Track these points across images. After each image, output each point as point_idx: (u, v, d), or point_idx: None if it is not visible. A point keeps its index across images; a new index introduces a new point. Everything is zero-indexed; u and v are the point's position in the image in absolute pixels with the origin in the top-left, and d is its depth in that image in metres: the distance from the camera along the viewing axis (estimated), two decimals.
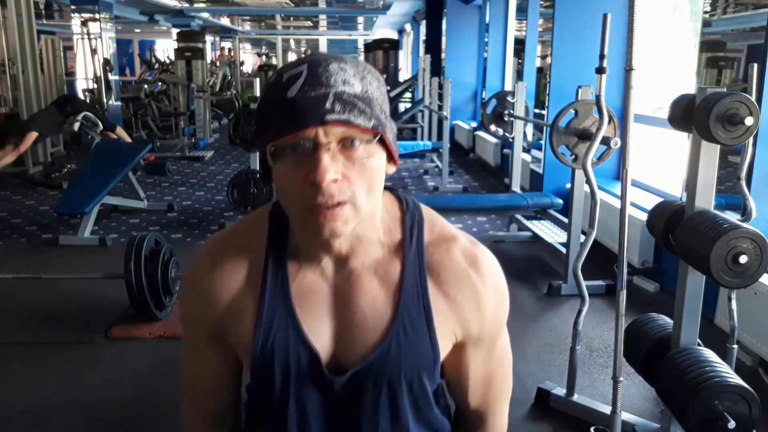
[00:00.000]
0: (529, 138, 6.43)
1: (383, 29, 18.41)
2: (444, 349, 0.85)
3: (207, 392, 0.94)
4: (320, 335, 0.82)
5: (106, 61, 8.88)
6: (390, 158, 0.78)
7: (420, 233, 0.84)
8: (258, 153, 0.78)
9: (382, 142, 0.74)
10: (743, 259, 1.70)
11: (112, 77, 8.92)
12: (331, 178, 0.70)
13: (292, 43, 24.71)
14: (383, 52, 13.22)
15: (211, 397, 0.94)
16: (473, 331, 0.86)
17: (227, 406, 0.96)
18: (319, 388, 0.84)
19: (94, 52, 8.95)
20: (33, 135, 6.01)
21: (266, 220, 0.85)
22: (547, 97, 4.84)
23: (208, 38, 15.37)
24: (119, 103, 9.12)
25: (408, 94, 10.93)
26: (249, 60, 22.97)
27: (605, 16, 2.06)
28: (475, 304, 0.84)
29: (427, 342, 0.82)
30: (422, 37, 12.63)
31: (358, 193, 0.73)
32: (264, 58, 20.91)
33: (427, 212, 0.87)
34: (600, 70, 2.11)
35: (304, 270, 0.83)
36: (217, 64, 14.24)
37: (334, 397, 0.84)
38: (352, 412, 0.85)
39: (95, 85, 9.26)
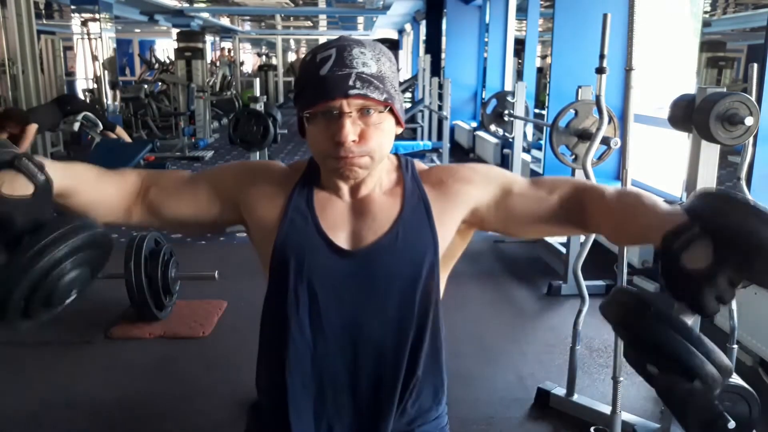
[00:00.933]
0: (529, 138, 6.43)
1: (383, 29, 18.40)
2: (446, 235, 1.01)
3: (164, 191, 1.05)
4: (337, 231, 1.00)
5: (110, 61, 8.87)
6: (397, 123, 0.99)
7: (413, 166, 1.07)
8: (296, 118, 0.98)
9: (392, 111, 0.95)
10: None
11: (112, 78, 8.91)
12: (351, 139, 0.91)
13: (292, 43, 24.71)
14: None
15: (161, 195, 1.05)
16: (486, 189, 1.02)
17: (155, 212, 1.05)
18: (332, 267, 0.98)
19: (94, 56, 8.94)
20: (34, 127, 5.91)
21: (305, 162, 1.08)
22: (547, 97, 4.84)
23: (208, 38, 15.36)
24: (120, 103, 9.12)
25: (408, 94, 10.93)
26: (249, 60, 22.96)
27: (605, 16, 2.06)
28: (472, 172, 1.04)
29: (427, 229, 1.00)
30: (422, 37, 12.63)
31: (373, 147, 0.94)
32: (264, 58, 20.90)
33: (417, 162, 1.10)
34: (600, 70, 2.11)
35: (325, 191, 1.03)
36: (217, 64, 14.24)
37: (347, 275, 0.98)
38: (363, 289, 0.98)
39: (95, 85, 9.26)
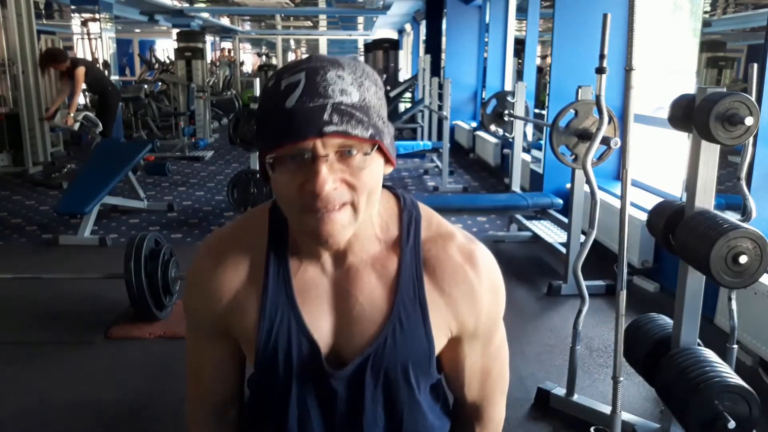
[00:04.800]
0: (529, 138, 6.42)
1: (383, 29, 18.40)
2: (439, 342, 0.87)
3: (210, 385, 0.96)
4: (321, 329, 0.85)
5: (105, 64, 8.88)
6: (387, 161, 0.80)
7: (417, 229, 0.86)
8: (258, 158, 0.80)
9: (380, 149, 0.76)
10: (743, 259, 1.70)
11: (112, 77, 8.90)
12: (329, 188, 0.73)
13: (292, 43, 24.70)
14: (383, 52, 13.21)
15: (213, 389, 0.96)
16: (468, 325, 0.87)
17: (230, 398, 0.98)
18: (319, 381, 0.86)
19: (94, 56, 8.93)
20: (82, 70, 6.22)
21: (266, 217, 0.87)
22: (547, 97, 4.84)
23: (208, 38, 15.36)
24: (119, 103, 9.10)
25: (408, 94, 10.93)
26: (249, 60, 22.96)
27: (605, 16, 2.06)
28: (470, 299, 0.86)
29: (423, 335, 0.85)
30: (422, 37, 12.63)
31: (356, 199, 0.76)
32: (264, 58, 20.90)
33: (425, 209, 0.89)
34: (600, 70, 2.11)
35: (305, 265, 0.85)
36: (217, 64, 14.22)
37: (334, 391, 0.86)
38: (351, 406, 0.87)
39: None
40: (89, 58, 9.04)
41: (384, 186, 0.85)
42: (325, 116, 0.70)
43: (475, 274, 0.85)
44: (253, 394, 0.95)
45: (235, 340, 0.90)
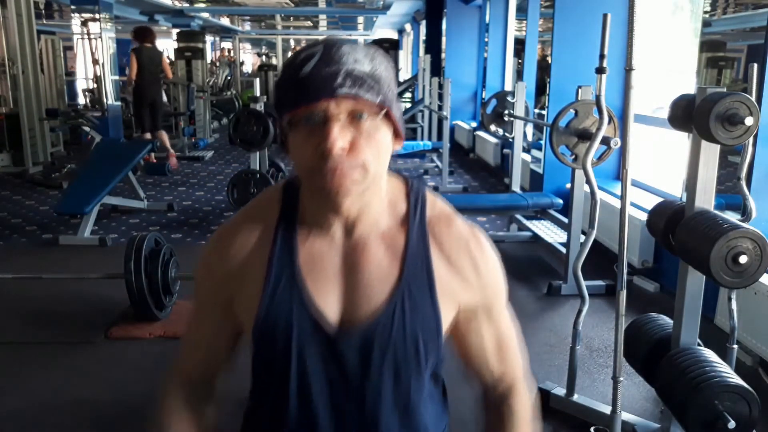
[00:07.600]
0: (529, 138, 6.42)
1: (383, 29, 18.40)
2: (446, 314, 0.88)
3: (200, 358, 0.98)
4: (327, 299, 0.86)
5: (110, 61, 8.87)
6: (396, 135, 0.83)
7: (423, 208, 0.90)
8: (277, 125, 0.83)
9: (389, 117, 0.80)
10: (743, 259, 1.70)
11: (113, 77, 8.90)
12: (340, 146, 0.76)
13: (292, 43, 24.71)
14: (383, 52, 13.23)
15: (202, 363, 0.98)
16: (476, 295, 0.90)
17: (210, 378, 0.99)
18: (321, 352, 0.86)
19: (94, 56, 8.93)
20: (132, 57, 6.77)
21: (280, 193, 0.91)
22: (547, 97, 4.84)
23: (208, 38, 15.36)
24: (119, 103, 9.11)
25: (408, 94, 10.92)
26: (249, 60, 22.96)
27: (605, 16, 2.06)
28: (475, 270, 0.89)
29: (430, 307, 0.86)
30: (422, 37, 12.63)
31: (367, 158, 0.78)
32: (264, 58, 20.91)
33: (429, 192, 0.93)
34: (600, 70, 2.11)
35: (313, 237, 0.87)
36: (218, 64, 14.23)
37: (338, 361, 0.86)
38: (356, 378, 0.87)
39: (95, 85, 9.25)
40: (89, 57, 9.02)
41: (392, 171, 0.89)
42: (339, 80, 0.75)
43: (478, 246, 0.90)
44: (254, 370, 0.94)
45: (236, 318, 0.91)
